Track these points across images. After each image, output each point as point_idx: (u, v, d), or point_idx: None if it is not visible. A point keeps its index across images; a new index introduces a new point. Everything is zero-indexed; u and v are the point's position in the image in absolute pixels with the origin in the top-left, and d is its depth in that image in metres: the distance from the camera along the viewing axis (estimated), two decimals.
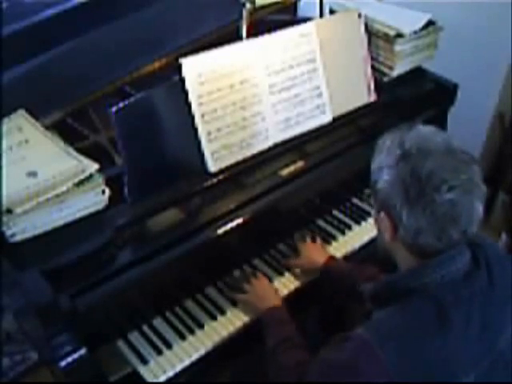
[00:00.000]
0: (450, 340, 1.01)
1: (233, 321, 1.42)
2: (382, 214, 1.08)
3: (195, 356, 1.35)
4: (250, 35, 1.57)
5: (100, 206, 1.31)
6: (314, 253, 1.54)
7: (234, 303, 1.46)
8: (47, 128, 1.45)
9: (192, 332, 1.39)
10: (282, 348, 1.25)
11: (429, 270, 1.05)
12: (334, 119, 1.66)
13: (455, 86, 1.86)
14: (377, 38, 1.78)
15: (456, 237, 1.02)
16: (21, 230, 1.22)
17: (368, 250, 1.62)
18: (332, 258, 1.53)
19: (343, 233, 1.66)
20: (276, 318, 1.34)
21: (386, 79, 1.81)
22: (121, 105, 1.31)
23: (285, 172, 1.54)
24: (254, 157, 1.52)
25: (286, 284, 1.51)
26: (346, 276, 1.46)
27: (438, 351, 1.00)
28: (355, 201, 1.76)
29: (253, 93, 1.50)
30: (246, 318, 1.43)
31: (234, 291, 1.47)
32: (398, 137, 1.08)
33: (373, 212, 1.17)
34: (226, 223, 1.41)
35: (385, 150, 1.08)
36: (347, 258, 1.59)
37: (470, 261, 1.08)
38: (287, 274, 1.53)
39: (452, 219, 1.01)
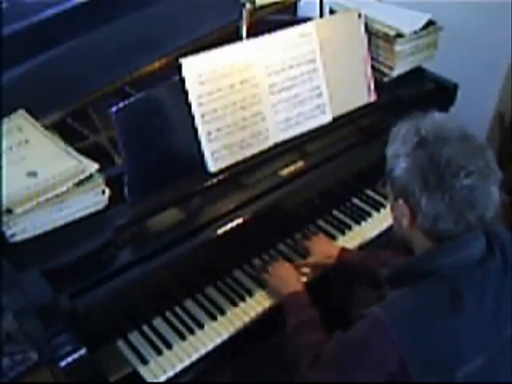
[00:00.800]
0: (461, 321, 1.04)
1: (233, 321, 1.42)
2: (401, 201, 1.10)
3: (195, 356, 1.35)
4: (250, 35, 1.57)
5: (100, 206, 1.31)
6: (327, 247, 1.56)
7: (234, 303, 1.46)
8: (47, 128, 1.45)
9: (192, 332, 1.39)
10: (301, 330, 1.28)
11: (444, 254, 1.08)
12: (334, 119, 1.66)
13: (455, 86, 1.86)
14: (377, 38, 1.78)
15: (473, 221, 1.05)
16: (21, 229, 1.22)
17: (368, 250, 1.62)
18: (344, 248, 1.55)
19: (343, 233, 1.66)
20: (297, 302, 1.37)
21: (386, 79, 1.81)
22: (121, 105, 1.31)
23: (285, 172, 1.54)
24: (254, 157, 1.52)
25: None
26: (361, 264, 1.48)
27: (448, 331, 1.03)
28: (355, 201, 1.76)
29: (253, 93, 1.50)
30: (246, 318, 1.43)
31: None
32: (413, 124, 1.10)
33: (390, 199, 1.18)
34: (225, 223, 1.41)
35: (400, 137, 1.10)
36: None
37: (485, 247, 1.11)
38: None
39: (470, 204, 1.03)
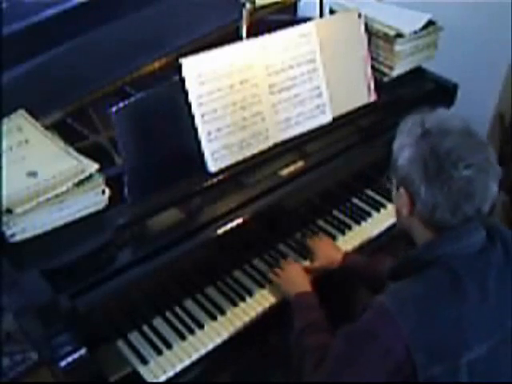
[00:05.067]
0: (464, 308, 1.05)
1: (233, 321, 1.42)
2: (402, 190, 1.13)
3: (195, 356, 1.35)
4: (250, 35, 1.57)
5: (100, 206, 1.31)
6: (331, 252, 1.56)
7: (234, 303, 1.46)
8: (47, 128, 1.45)
9: (192, 332, 1.39)
10: (307, 331, 1.28)
11: (444, 243, 1.10)
12: (334, 119, 1.66)
13: (455, 86, 1.86)
14: (377, 38, 1.78)
15: (470, 213, 1.08)
16: (21, 229, 1.22)
17: (368, 250, 1.62)
18: (347, 253, 1.56)
19: (343, 233, 1.66)
20: (305, 303, 1.37)
21: (386, 79, 1.81)
22: (121, 105, 1.31)
23: (285, 172, 1.54)
24: (254, 157, 1.52)
25: None
26: (364, 268, 1.49)
27: (452, 318, 1.04)
28: (355, 201, 1.76)
29: (253, 93, 1.50)
30: (246, 318, 1.42)
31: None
32: (419, 118, 1.14)
33: (393, 189, 1.21)
34: (225, 223, 1.41)
35: (406, 130, 1.14)
36: None
37: (486, 239, 1.13)
38: None
39: (467, 195, 1.06)
